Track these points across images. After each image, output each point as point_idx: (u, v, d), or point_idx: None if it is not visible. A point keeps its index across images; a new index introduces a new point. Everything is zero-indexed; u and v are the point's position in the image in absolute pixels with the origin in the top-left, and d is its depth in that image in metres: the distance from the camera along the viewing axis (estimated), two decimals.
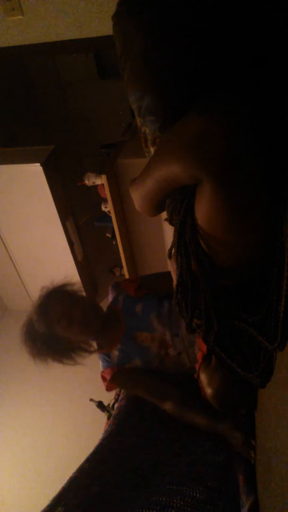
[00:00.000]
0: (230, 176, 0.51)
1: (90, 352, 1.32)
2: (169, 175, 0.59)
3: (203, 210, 0.56)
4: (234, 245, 0.58)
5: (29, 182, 2.19)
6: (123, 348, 1.28)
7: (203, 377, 1.04)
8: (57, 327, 1.21)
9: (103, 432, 1.32)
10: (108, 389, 1.33)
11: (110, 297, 1.44)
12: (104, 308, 1.40)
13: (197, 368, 1.11)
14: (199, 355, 1.13)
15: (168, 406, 1.16)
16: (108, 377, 1.29)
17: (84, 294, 1.37)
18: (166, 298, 1.30)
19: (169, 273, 1.21)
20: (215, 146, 0.50)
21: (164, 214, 0.76)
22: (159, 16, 0.62)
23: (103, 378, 1.32)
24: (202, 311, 0.67)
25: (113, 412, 1.43)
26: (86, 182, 2.09)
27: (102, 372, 1.32)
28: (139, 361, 1.26)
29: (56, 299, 1.25)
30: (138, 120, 0.72)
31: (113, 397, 1.58)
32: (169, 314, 1.26)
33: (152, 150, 0.72)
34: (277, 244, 0.56)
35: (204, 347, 1.08)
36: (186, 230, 0.62)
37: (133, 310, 1.30)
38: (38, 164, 2.08)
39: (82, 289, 1.39)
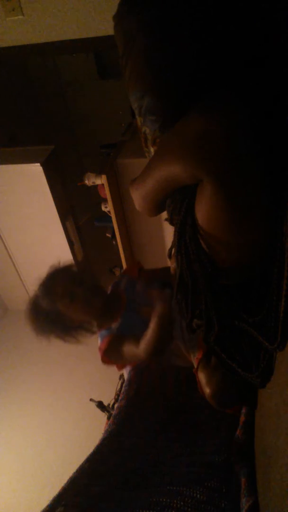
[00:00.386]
0: (230, 176, 0.51)
1: (92, 332, 1.33)
2: (170, 175, 0.59)
3: (203, 210, 0.57)
4: (234, 245, 0.58)
5: (29, 182, 2.19)
6: (125, 320, 1.28)
7: (201, 377, 1.04)
8: (59, 304, 1.22)
9: (103, 432, 1.32)
10: (103, 360, 1.28)
11: (110, 289, 1.45)
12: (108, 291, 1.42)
13: (195, 362, 1.11)
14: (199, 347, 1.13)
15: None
16: (104, 346, 1.24)
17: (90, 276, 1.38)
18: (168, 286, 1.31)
19: (169, 268, 1.22)
20: (216, 146, 0.50)
21: (164, 214, 0.76)
22: (160, 16, 0.62)
23: (100, 350, 1.27)
24: (203, 311, 0.67)
25: (113, 412, 1.43)
26: (86, 182, 2.09)
27: (100, 345, 1.27)
28: (140, 334, 1.19)
29: (60, 277, 1.28)
30: (139, 120, 0.72)
31: (113, 397, 1.59)
32: (169, 288, 1.26)
33: (152, 150, 0.72)
34: (277, 244, 0.56)
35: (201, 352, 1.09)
36: (186, 230, 0.62)
37: (134, 288, 1.34)
38: (38, 164, 2.08)
39: (90, 273, 1.43)
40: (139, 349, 1.15)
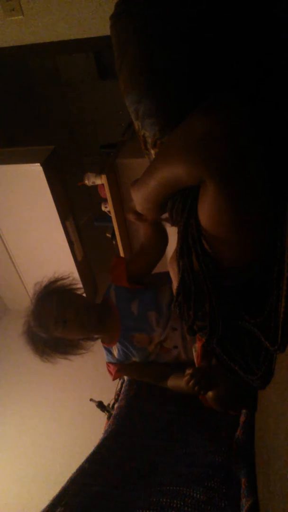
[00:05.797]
0: (234, 177, 0.51)
1: (94, 340, 1.33)
2: (173, 176, 0.59)
3: (206, 211, 0.57)
4: (237, 246, 0.58)
5: (29, 182, 2.18)
6: (121, 347, 1.29)
7: None
8: (54, 331, 1.21)
9: (103, 432, 1.32)
10: (114, 379, 1.41)
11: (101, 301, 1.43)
12: (97, 300, 1.42)
13: (196, 363, 1.11)
14: (197, 349, 1.13)
15: (168, 382, 1.26)
16: (113, 371, 1.36)
17: (75, 289, 1.35)
18: (165, 289, 1.29)
19: (166, 273, 1.21)
20: (219, 147, 0.50)
21: (165, 215, 0.76)
22: (156, 18, 0.62)
23: (109, 371, 1.39)
24: (206, 313, 0.67)
25: (113, 412, 1.43)
26: (86, 182, 2.09)
27: (107, 364, 1.38)
28: (137, 359, 1.30)
29: (48, 302, 1.24)
30: (136, 124, 0.72)
31: (113, 397, 1.59)
32: (168, 309, 1.24)
33: (152, 152, 0.72)
34: (277, 243, 0.56)
35: (200, 344, 1.08)
36: (189, 232, 0.62)
37: (128, 309, 1.28)
38: (38, 164, 2.08)
39: (75, 282, 1.37)
40: (167, 384, 1.26)
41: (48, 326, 1.20)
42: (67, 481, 1.01)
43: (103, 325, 1.31)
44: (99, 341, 1.36)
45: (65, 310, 1.21)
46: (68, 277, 1.35)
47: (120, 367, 1.35)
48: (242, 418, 1.09)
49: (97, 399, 1.75)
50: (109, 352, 1.34)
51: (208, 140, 0.50)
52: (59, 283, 1.32)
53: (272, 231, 0.56)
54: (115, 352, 1.32)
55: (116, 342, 1.29)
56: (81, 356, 1.32)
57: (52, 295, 1.26)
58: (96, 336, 1.34)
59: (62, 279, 1.34)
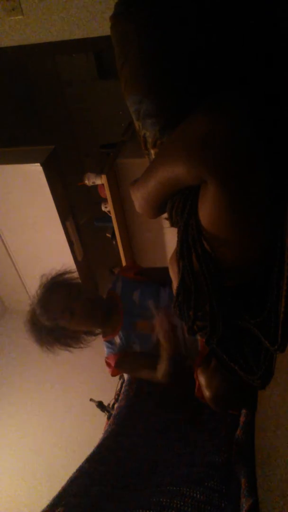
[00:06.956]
0: (234, 176, 0.51)
1: (95, 335, 1.35)
2: (173, 175, 0.58)
3: (207, 211, 0.57)
4: (238, 246, 0.58)
5: (29, 182, 2.18)
6: (124, 334, 1.30)
7: (202, 379, 1.04)
8: (60, 320, 1.23)
9: (103, 432, 1.32)
10: (113, 374, 1.39)
11: (106, 295, 1.45)
12: (104, 295, 1.42)
13: (194, 367, 1.11)
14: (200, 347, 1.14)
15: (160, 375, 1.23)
16: (112, 363, 1.33)
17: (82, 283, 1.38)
18: (168, 285, 1.30)
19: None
20: (220, 146, 0.50)
21: (164, 214, 0.76)
22: (157, 18, 0.62)
23: (108, 364, 1.36)
24: (206, 313, 0.67)
25: (113, 412, 1.43)
26: (86, 182, 2.09)
27: (107, 358, 1.36)
28: (138, 347, 1.29)
29: (56, 292, 1.27)
30: (137, 124, 0.72)
31: (113, 397, 1.59)
32: (170, 301, 1.26)
33: (152, 152, 0.72)
34: (278, 243, 0.56)
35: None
36: (189, 232, 0.62)
37: (130, 298, 1.32)
38: (38, 164, 2.08)
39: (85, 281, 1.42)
40: (156, 376, 1.22)
41: (54, 315, 1.22)
42: (67, 481, 1.01)
43: (108, 319, 1.32)
44: (99, 342, 1.36)
45: (74, 302, 1.24)
46: (75, 272, 1.40)
47: (119, 358, 1.32)
48: (242, 418, 1.09)
49: (97, 399, 1.75)
50: (110, 343, 1.34)
51: (209, 139, 0.50)
52: (67, 275, 1.36)
53: (273, 231, 0.56)
54: (117, 341, 1.31)
55: (119, 331, 1.30)
56: (81, 356, 1.33)
57: (62, 286, 1.29)
58: (98, 331, 1.35)
59: (70, 272, 1.37)
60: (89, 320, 1.28)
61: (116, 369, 1.34)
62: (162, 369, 1.19)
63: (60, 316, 1.22)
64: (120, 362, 1.33)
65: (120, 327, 1.30)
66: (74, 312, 1.23)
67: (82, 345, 1.32)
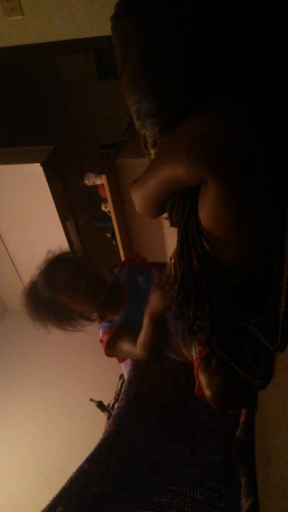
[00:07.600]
0: (234, 176, 0.51)
1: (92, 321, 1.32)
2: (173, 176, 0.59)
3: (207, 211, 0.57)
4: (238, 246, 0.58)
5: (29, 182, 2.18)
6: (127, 313, 1.27)
7: (202, 379, 1.04)
8: (61, 295, 1.20)
9: (103, 432, 1.32)
10: (107, 354, 1.30)
11: (111, 280, 1.44)
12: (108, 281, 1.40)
13: (196, 361, 1.11)
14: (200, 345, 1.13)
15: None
16: (106, 338, 1.26)
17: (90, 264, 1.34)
18: None
19: None
20: (220, 146, 0.50)
21: (164, 214, 0.76)
22: (158, 18, 0.62)
23: (101, 342, 1.28)
24: (206, 313, 0.67)
25: (113, 412, 1.43)
26: (86, 182, 2.09)
27: (102, 337, 1.28)
28: (139, 328, 1.20)
29: (63, 266, 1.25)
30: (137, 124, 0.72)
31: (113, 397, 1.59)
32: None
33: (152, 152, 0.72)
34: (278, 243, 0.56)
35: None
36: (189, 232, 0.62)
37: (135, 280, 1.31)
38: (38, 164, 2.08)
39: (89, 260, 1.38)
40: (136, 348, 1.15)
41: (57, 288, 1.19)
42: (67, 481, 1.01)
43: (108, 303, 1.30)
44: (99, 342, 1.35)
45: (78, 278, 1.22)
46: (82, 253, 1.38)
47: (115, 330, 1.24)
48: (242, 418, 1.09)
49: (97, 399, 1.75)
50: (109, 322, 1.28)
51: (209, 139, 0.50)
52: (75, 254, 1.34)
53: (273, 231, 0.56)
54: (117, 318, 1.27)
55: (121, 311, 1.27)
56: (81, 356, 1.31)
57: (69, 261, 1.28)
58: (94, 317, 1.32)
59: (78, 252, 1.36)
60: (90, 300, 1.24)
61: (109, 348, 1.27)
62: (141, 338, 1.12)
63: (62, 290, 1.19)
64: (114, 337, 1.25)
65: (123, 308, 1.27)
66: (77, 289, 1.20)
67: (75, 329, 1.27)
